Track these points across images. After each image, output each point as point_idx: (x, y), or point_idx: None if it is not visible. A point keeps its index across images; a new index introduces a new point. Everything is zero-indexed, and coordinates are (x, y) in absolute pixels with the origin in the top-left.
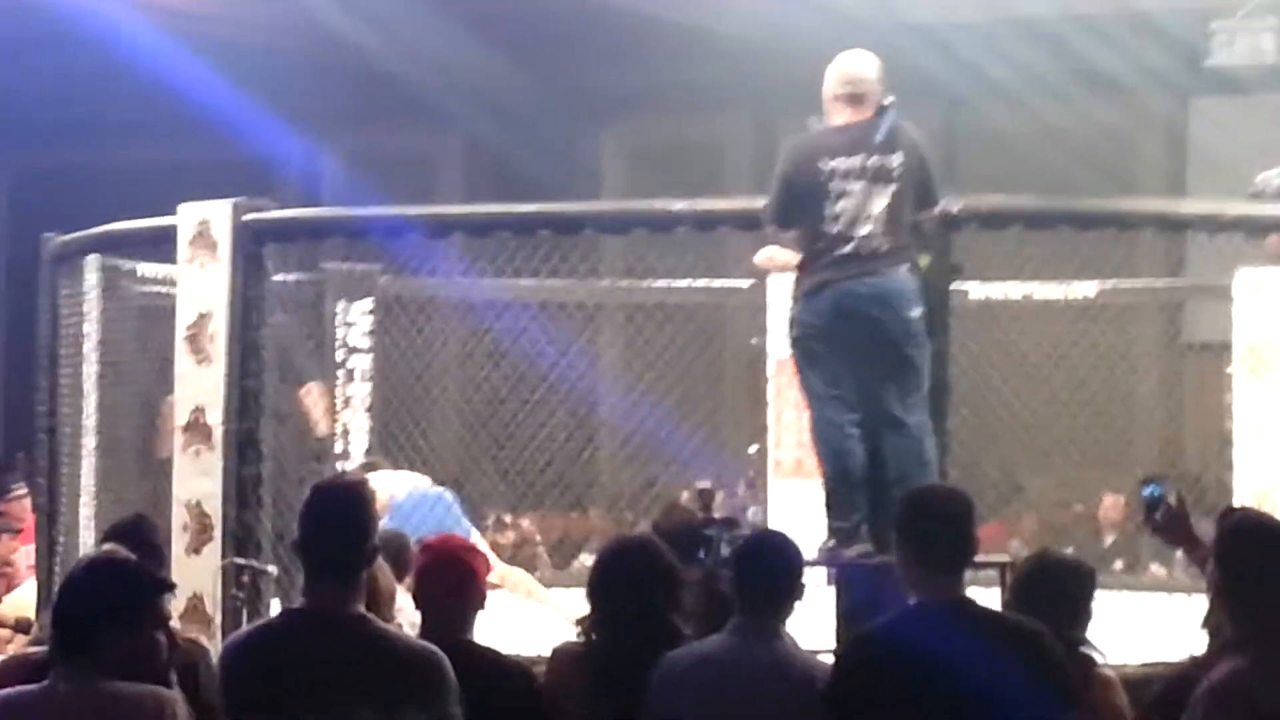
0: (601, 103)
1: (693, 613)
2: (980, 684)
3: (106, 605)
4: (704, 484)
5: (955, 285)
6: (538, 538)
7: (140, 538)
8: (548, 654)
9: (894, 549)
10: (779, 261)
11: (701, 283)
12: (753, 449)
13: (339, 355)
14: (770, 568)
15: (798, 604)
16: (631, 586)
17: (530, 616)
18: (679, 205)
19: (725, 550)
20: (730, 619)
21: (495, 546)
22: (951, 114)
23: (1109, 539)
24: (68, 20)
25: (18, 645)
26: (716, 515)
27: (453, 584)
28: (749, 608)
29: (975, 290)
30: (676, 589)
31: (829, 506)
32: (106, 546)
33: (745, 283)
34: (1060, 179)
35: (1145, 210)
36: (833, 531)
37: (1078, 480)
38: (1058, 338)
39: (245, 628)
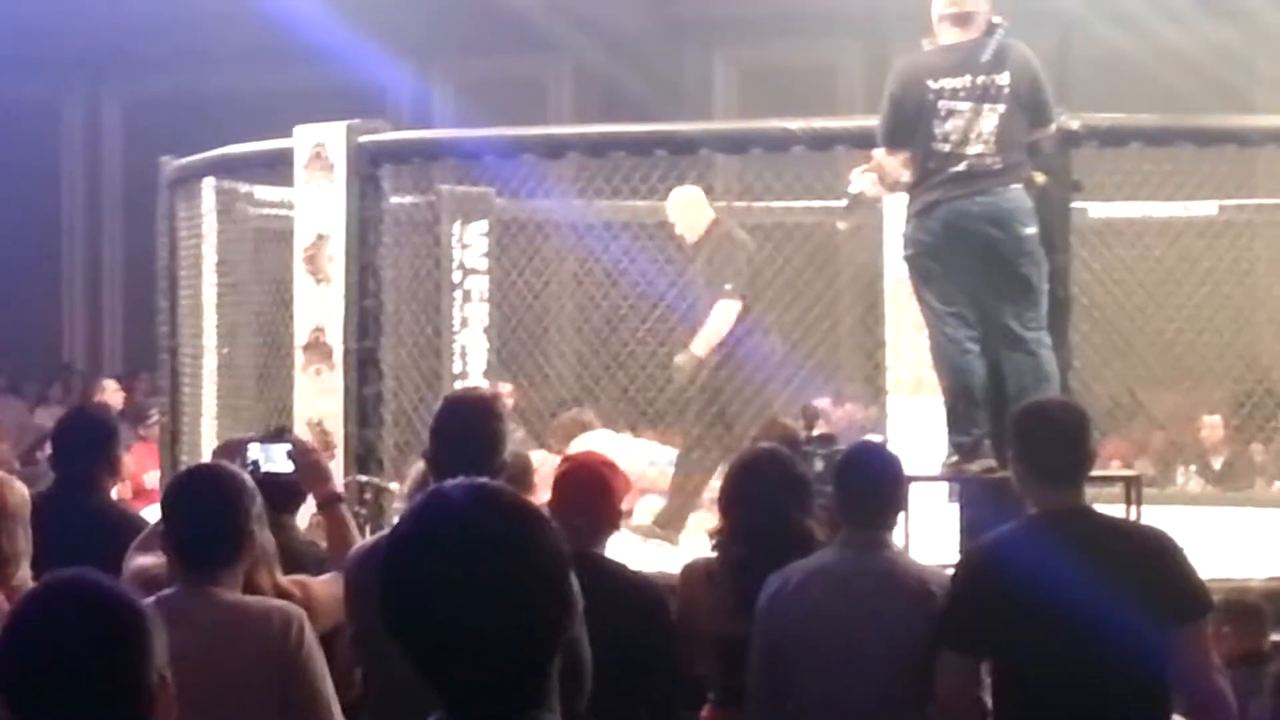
0: (711, 27)
1: None
2: (1100, 591)
3: (215, 514)
4: (819, 402)
5: (1075, 203)
6: None
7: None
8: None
9: (1011, 461)
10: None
11: (817, 203)
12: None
13: (455, 276)
14: (870, 478)
15: (901, 514)
16: (763, 496)
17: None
18: (795, 124)
19: (819, 466)
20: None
21: None
22: (1066, 36)
23: (1217, 460)
24: None
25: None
26: (816, 433)
27: (588, 496)
28: (854, 520)
29: (1095, 209)
30: (808, 496)
31: (950, 423)
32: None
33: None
34: (1177, 100)
35: (1265, 126)
36: (955, 447)
37: (1198, 398)
38: (1179, 256)
39: (369, 538)
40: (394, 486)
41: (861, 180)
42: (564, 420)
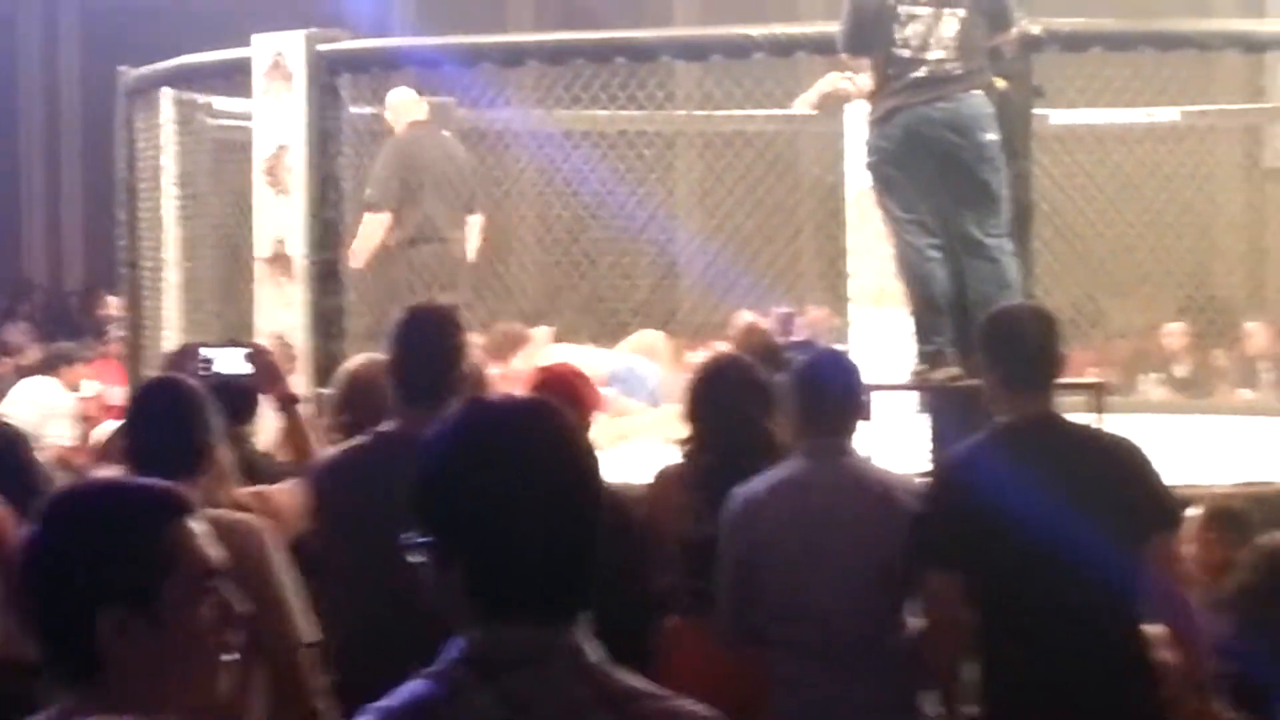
0: None
1: None
2: (1069, 502)
3: (175, 428)
4: (784, 309)
5: (1036, 110)
6: None
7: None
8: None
9: (980, 368)
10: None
11: (777, 111)
12: None
13: None
14: (827, 386)
15: (865, 423)
16: (728, 402)
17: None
18: (756, 31)
19: None
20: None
21: None
22: None
23: (1179, 369)
24: None
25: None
26: (795, 339)
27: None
28: (815, 429)
29: (1056, 115)
30: (771, 401)
31: (916, 331)
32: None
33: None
34: (1138, 5)
35: (1226, 31)
36: (920, 356)
37: (1160, 305)
38: (1139, 163)
39: (334, 449)
40: None
41: (832, 79)
42: (499, 333)
